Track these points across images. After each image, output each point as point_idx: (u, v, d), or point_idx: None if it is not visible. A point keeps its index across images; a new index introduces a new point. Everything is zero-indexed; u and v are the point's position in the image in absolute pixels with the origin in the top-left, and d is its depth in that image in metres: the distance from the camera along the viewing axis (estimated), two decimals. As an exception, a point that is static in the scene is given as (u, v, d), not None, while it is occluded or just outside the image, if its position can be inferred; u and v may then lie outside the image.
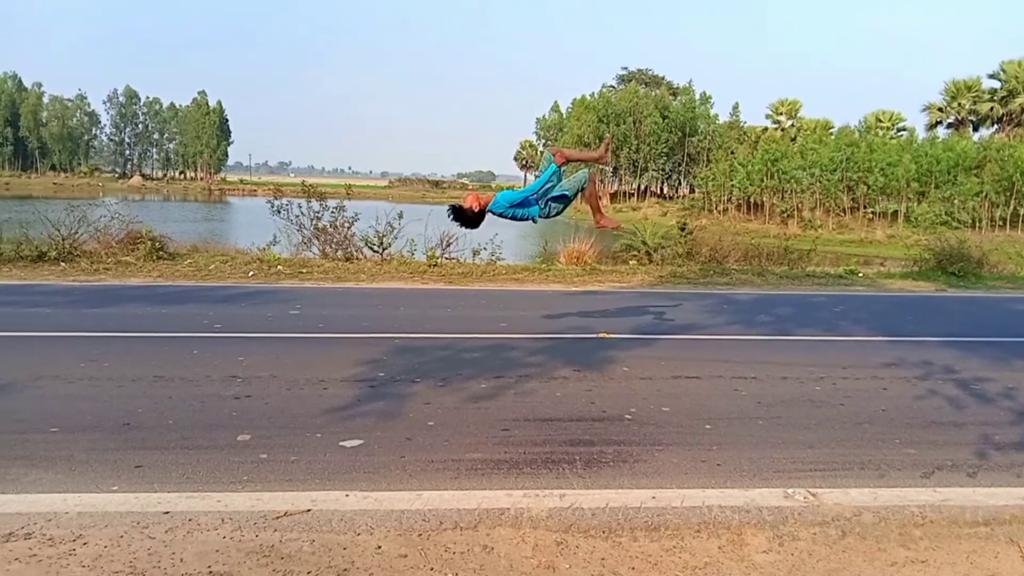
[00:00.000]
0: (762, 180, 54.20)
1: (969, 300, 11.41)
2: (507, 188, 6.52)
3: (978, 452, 4.34)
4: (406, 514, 3.24)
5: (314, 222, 13.34)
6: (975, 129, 56.96)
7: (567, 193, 6.26)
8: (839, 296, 11.12)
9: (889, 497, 3.59)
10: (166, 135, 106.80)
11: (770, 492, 3.60)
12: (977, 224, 42.60)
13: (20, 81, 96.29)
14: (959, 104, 56.70)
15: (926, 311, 10.20)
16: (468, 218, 6.14)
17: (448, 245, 13.18)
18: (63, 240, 11.79)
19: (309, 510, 3.23)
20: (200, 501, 3.31)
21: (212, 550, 2.90)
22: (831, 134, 62.56)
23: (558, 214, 6.39)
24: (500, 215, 6.23)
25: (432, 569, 2.82)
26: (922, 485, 3.81)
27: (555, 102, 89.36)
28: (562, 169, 6.25)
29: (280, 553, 2.89)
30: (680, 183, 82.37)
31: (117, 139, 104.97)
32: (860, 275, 13.72)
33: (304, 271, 11.59)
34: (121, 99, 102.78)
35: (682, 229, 16.52)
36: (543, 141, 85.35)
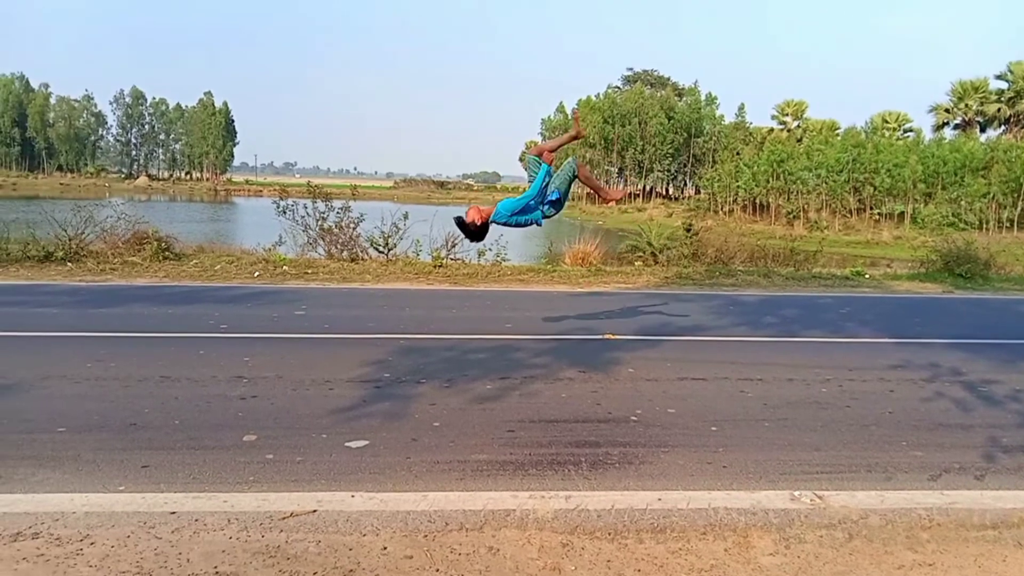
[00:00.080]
0: (768, 181, 54.09)
1: (976, 302, 11.36)
2: (509, 194, 6.53)
3: (986, 455, 4.32)
4: (412, 515, 3.24)
5: (319, 223, 13.35)
6: (982, 130, 56.76)
7: (561, 191, 6.27)
8: (845, 298, 11.09)
9: (896, 500, 3.58)
10: (172, 136, 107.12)
11: (776, 494, 3.59)
12: (984, 225, 42.42)
13: (27, 82, 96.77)
14: (966, 105, 56.49)
15: (933, 313, 10.16)
16: (472, 231, 6.26)
17: (453, 246, 13.19)
18: (70, 240, 11.83)
19: (315, 511, 3.24)
20: (206, 501, 3.31)
21: (218, 550, 2.90)
22: (837, 135, 62.42)
23: (556, 213, 6.41)
24: (504, 224, 6.29)
25: (438, 570, 2.82)
26: (929, 488, 3.79)
27: (560, 103, 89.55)
28: (552, 166, 6.25)
29: (286, 554, 2.90)
30: (685, 184, 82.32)
31: (123, 140, 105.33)
32: (866, 276, 13.68)
33: (309, 272, 11.61)
34: (127, 100, 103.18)
35: (688, 230, 16.49)
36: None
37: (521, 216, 6.20)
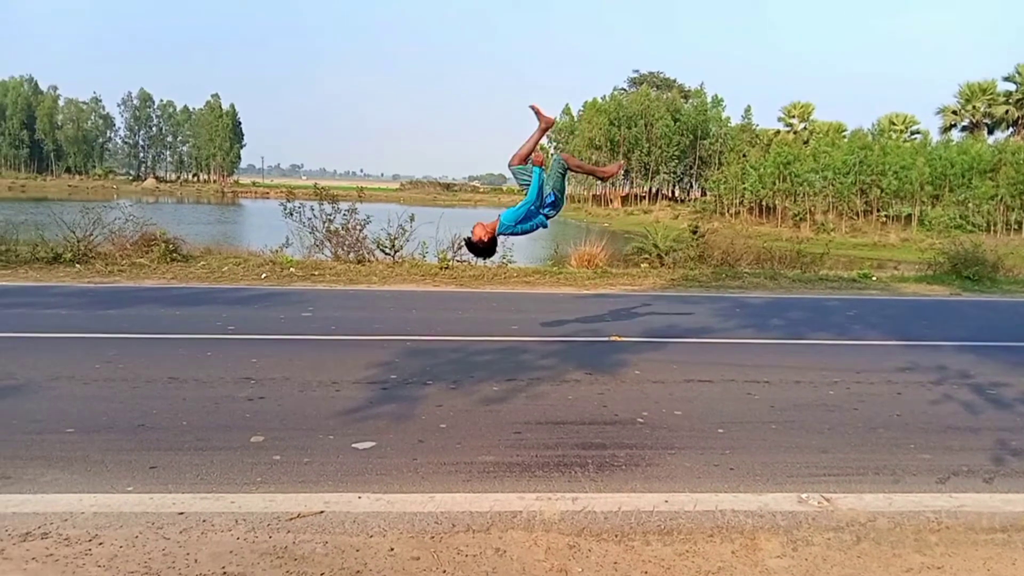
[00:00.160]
0: (774, 183, 54.00)
1: (984, 304, 11.32)
2: (515, 196, 6.51)
3: (995, 458, 4.30)
4: (418, 516, 3.24)
5: (326, 224, 13.38)
6: (990, 132, 56.57)
7: (557, 190, 6.27)
8: (852, 300, 11.05)
9: (904, 502, 3.56)
10: (180, 138, 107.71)
11: (784, 497, 3.58)
12: (992, 228, 42.24)
13: (36, 84, 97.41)
14: (974, 107, 56.32)
15: (941, 315, 10.12)
16: (482, 248, 6.34)
17: (459, 248, 13.18)
18: (78, 242, 11.90)
19: (322, 512, 3.24)
20: (214, 502, 3.32)
21: (226, 551, 2.91)
22: (844, 137, 62.26)
23: (557, 213, 6.42)
24: (511, 234, 6.32)
25: (444, 572, 2.82)
26: (938, 491, 3.77)
27: (566, 105, 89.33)
28: (543, 167, 6.23)
29: (293, 554, 2.90)
30: (692, 186, 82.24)
31: (131, 142, 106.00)
32: (874, 279, 13.63)
33: (316, 273, 11.64)
34: (135, 102, 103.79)
35: (694, 232, 16.47)
36: (554, 144, 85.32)
37: (525, 223, 6.23)
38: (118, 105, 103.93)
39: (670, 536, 3.18)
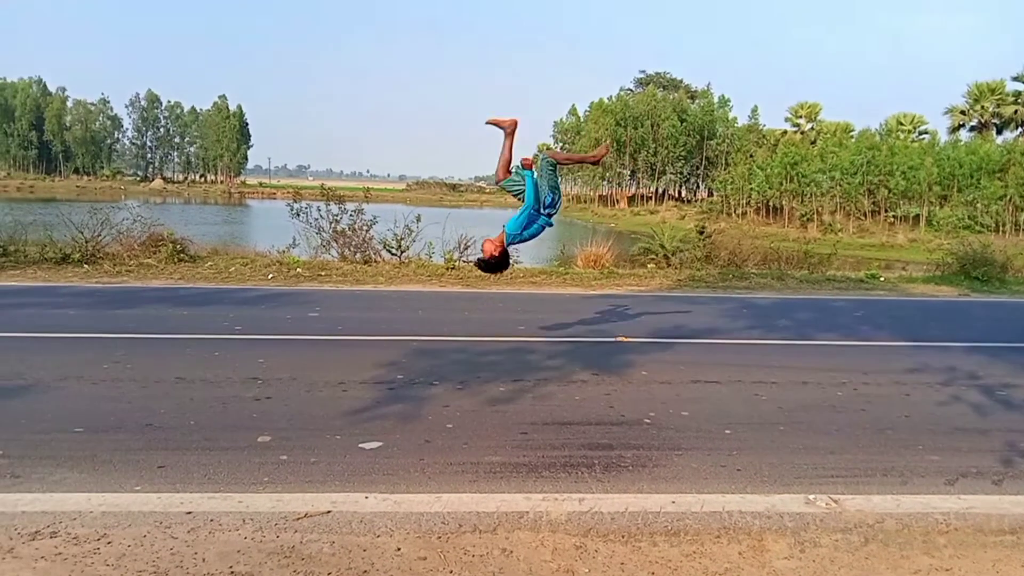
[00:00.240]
0: (781, 183, 53.90)
1: (993, 305, 11.26)
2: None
3: (1004, 459, 4.27)
4: (425, 516, 3.24)
5: (333, 225, 13.40)
6: (999, 132, 56.28)
7: (552, 188, 6.24)
8: (860, 301, 11.01)
9: (912, 504, 3.55)
10: (187, 139, 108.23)
11: (791, 498, 3.57)
12: (1001, 228, 42.05)
13: (45, 86, 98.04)
14: (982, 107, 56.06)
15: (949, 316, 10.08)
16: (496, 263, 6.31)
17: (466, 248, 13.20)
18: (86, 242, 11.95)
19: (329, 511, 3.25)
20: (222, 502, 3.33)
21: (234, 550, 2.92)
22: (851, 137, 62.09)
23: (557, 211, 6.40)
24: (520, 241, 6.31)
25: (451, 572, 2.83)
26: (946, 492, 3.75)
27: (572, 105, 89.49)
28: (533, 170, 6.21)
29: (301, 554, 2.91)
30: (698, 186, 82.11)
31: (139, 143, 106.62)
32: (881, 279, 13.58)
33: (323, 274, 11.67)
34: (143, 103, 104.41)
35: (700, 232, 16.44)
36: (560, 145, 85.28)
37: (530, 228, 6.21)
38: (126, 106, 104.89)
39: (677, 537, 3.18)
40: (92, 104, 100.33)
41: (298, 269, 11.82)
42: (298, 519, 3.18)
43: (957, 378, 6.15)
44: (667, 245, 16.16)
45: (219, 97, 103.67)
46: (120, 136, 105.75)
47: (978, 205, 44.03)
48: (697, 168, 78.33)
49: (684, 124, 74.92)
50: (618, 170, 78.66)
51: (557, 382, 5.62)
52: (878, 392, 5.69)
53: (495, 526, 3.20)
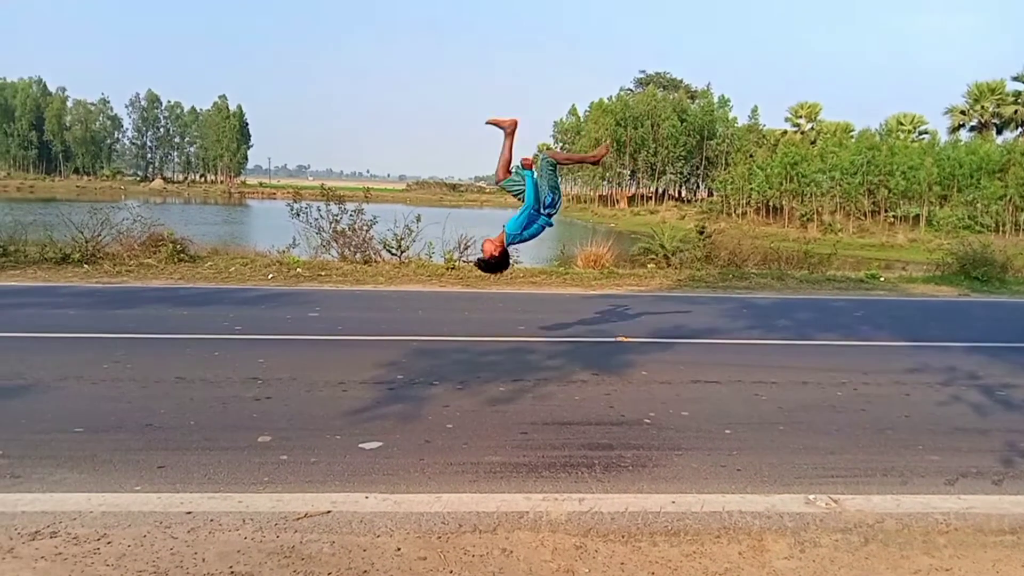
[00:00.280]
0: (781, 183, 53.90)
1: (993, 305, 11.26)
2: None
3: (1004, 459, 4.27)
4: (425, 516, 3.24)
5: (333, 225, 13.40)
6: (999, 132, 56.28)
7: (552, 188, 6.24)
8: (860, 301, 11.01)
9: (912, 504, 3.55)
10: (187, 139, 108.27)
11: (791, 498, 3.57)
12: (1001, 228, 42.06)
13: (45, 86, 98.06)
14: (982, 107, 56.06)
15: (949, 316, 10.08)
16: (495, 264, 6.31)
17: (466, 248, 13.20)
18: (86, 242, 11.95)
19: (329, 512, 3.25)
20: (222, 502, 3.33)
21: (233, 550, 2.92)
22: (851, 137, 62.08)
23: (557, 211, 6.40)
24: (520, 241, 6.31)
25: (451, 572, 2.83)
26: (946, 492, 3.75)
27: (572, 105, 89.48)
28: (532, 170, 6.21)
29: (301, 554, 2.91)
30: (698, 186, 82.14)
31: (139, 143, 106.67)
32: (881, 279, 13.58)
33: (323, 274, 11.67)
34: (143, 103, 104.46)
35: (700, 232, 16.44)
36: (560, 145, 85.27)
37: (530, 228, 6.21)
38: (126, 106, 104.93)
39: (677, 537, 3.18)
40: (92, 104, 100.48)
41: (298, 269, 11.82)
42: (298, 519, 3.18)
43: (957, 378, 6.15)
44: (667, 245, 16.17)
45: (219, 97, 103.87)
46: (120, 136, 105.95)
47: (978, 205, 44.03)
48: (697, 168, 78.35)
49: (684, 124, 74.96)
50: (618, 170, 78.70)
51: (557, 382, 5.62)
52: (878, 392, 5.69)
53: (495, 526, 3.20)
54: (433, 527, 3.17)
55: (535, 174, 6.16)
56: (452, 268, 12.44)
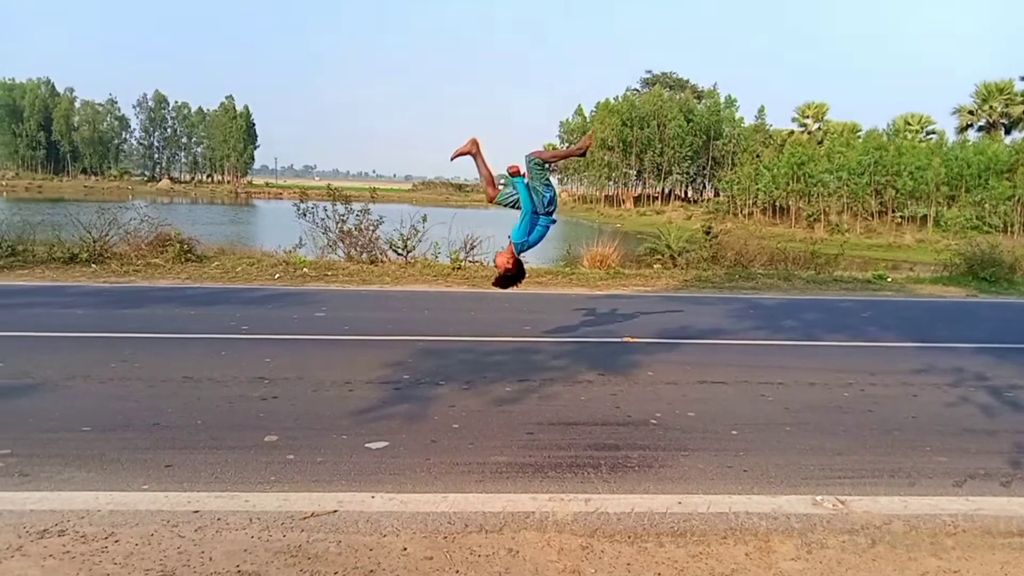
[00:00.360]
0: (788, 184, 53.68)
1: (1001, 306, 11.21)
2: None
3: (1012, 461, 4.25)
4: (431, 516, 3.25)
5: (339, 225, 13.43)
6: (1007, 132, 55.94)
7: (545, 187, 6.21)
8: (867, 301, 10.98)
9: (920, 506, 3.53)
10: (194, 139, 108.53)
11: (798, 499, 3.56)
12: (1009, 229, 41.77)
13: (53, 86, 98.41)
14: (990, 107, 55.73)
15: (957, 317, 10.03)
16: (512, 276, 6.28)
17: (472, 248, 13.22)
18: (94, 242, 12.01)
19: (336, 511, 3.26)
20: (229, 501, 3.34)
21: (240, 549, 2.93)
22: (859, 137, 61.82)
23: (555, 209, 6.38)
24: (530, 247, 6.31)
25: (457, 572, 2.83)
26: (954, 494, 3.74)
27: (579, 105, 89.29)
28: (522, 176, 6.17)
29: (307, 553, 2.92)
30: (704, 187, 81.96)
31: (146, 143, 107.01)
32: (889, 280, 13.53)
33: (329, 273, 11.69)
34: (150, 104, 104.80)
35: (707, 233, 16.41)
36: (567, 145, 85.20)
37: (532, 235, 6.20)
38: (133, 107, 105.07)
39: (683, 538, 3.17)
40: (100, 105, 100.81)
41: (304, 269, 11.85)
42: (305, 518, 3.19)
43: (965, 379, 6.12)
44: (673, 245, 16.15)
45: (226, 97, 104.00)
46: (127, 136, 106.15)
47: (986, 205, 43.75)
48: (703, 168, 78.14)
49: (691, 124, 74.77)
50: (624, 170, 78.58)
51: (563, 382, 5.62)
52: (885, 393, 5.67)
53: (501, 526, 3.20)
54: (439, 527, 3.17)
55: (525, 179, 6.14)
56: (458, 268, 12.45)
